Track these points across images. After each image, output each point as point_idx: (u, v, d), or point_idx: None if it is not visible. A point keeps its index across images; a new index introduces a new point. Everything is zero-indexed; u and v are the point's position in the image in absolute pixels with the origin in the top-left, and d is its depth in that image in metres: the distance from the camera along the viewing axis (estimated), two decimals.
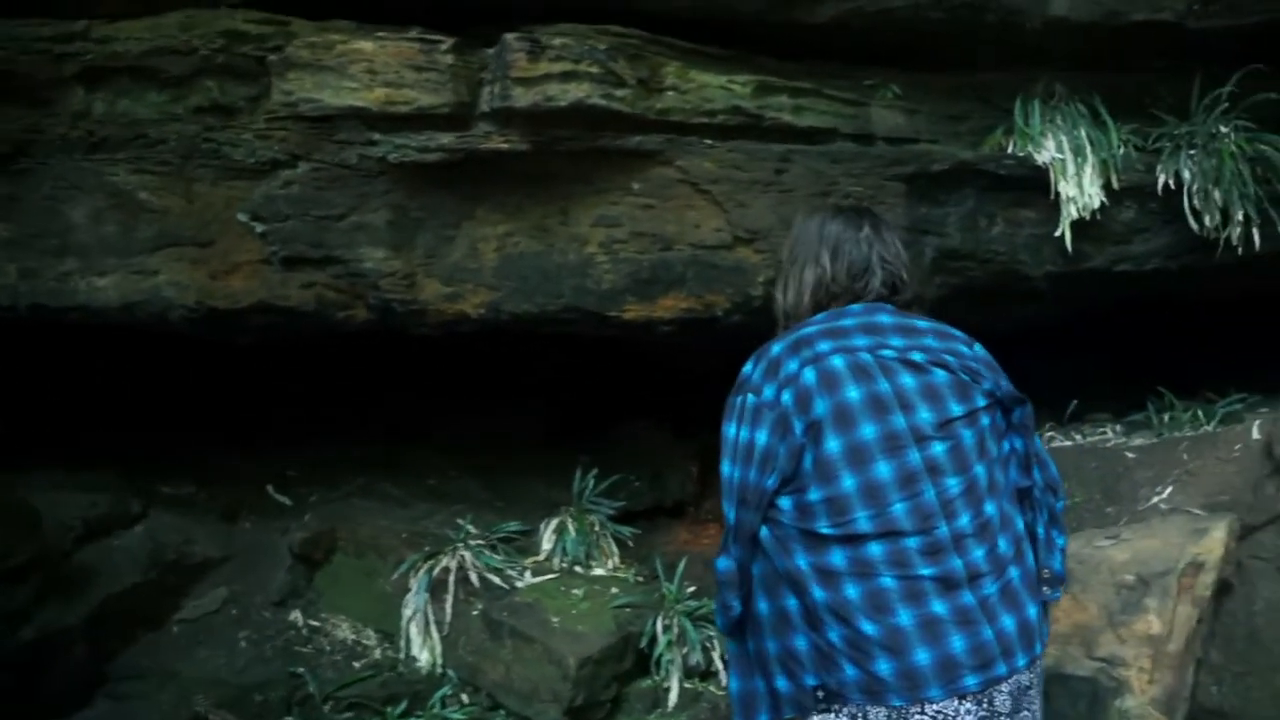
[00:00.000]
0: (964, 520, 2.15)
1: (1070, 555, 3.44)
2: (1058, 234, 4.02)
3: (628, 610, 4.12)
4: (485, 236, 3.85)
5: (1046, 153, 4.02)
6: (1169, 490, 3.89)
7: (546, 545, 4.41)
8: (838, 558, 2.10)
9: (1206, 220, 3.97)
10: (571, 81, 3.54)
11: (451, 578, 4.12)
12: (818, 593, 2.10)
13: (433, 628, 4.09)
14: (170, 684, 3.82)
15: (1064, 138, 4.04)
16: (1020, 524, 2.30)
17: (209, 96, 3.63)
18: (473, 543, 4.27)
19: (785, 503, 2.15)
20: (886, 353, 2.24)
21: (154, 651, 3.94)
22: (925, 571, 2.10)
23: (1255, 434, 3.90)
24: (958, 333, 2.39)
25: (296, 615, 4.20)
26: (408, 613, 4.11)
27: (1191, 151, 3.98)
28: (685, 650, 4.05)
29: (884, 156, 4.02)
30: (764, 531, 2.18)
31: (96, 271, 3.68)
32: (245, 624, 4.10)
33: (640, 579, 4.41)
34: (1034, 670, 2.22)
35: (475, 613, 4.04)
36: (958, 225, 4.16)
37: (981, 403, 2.26)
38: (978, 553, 2.15)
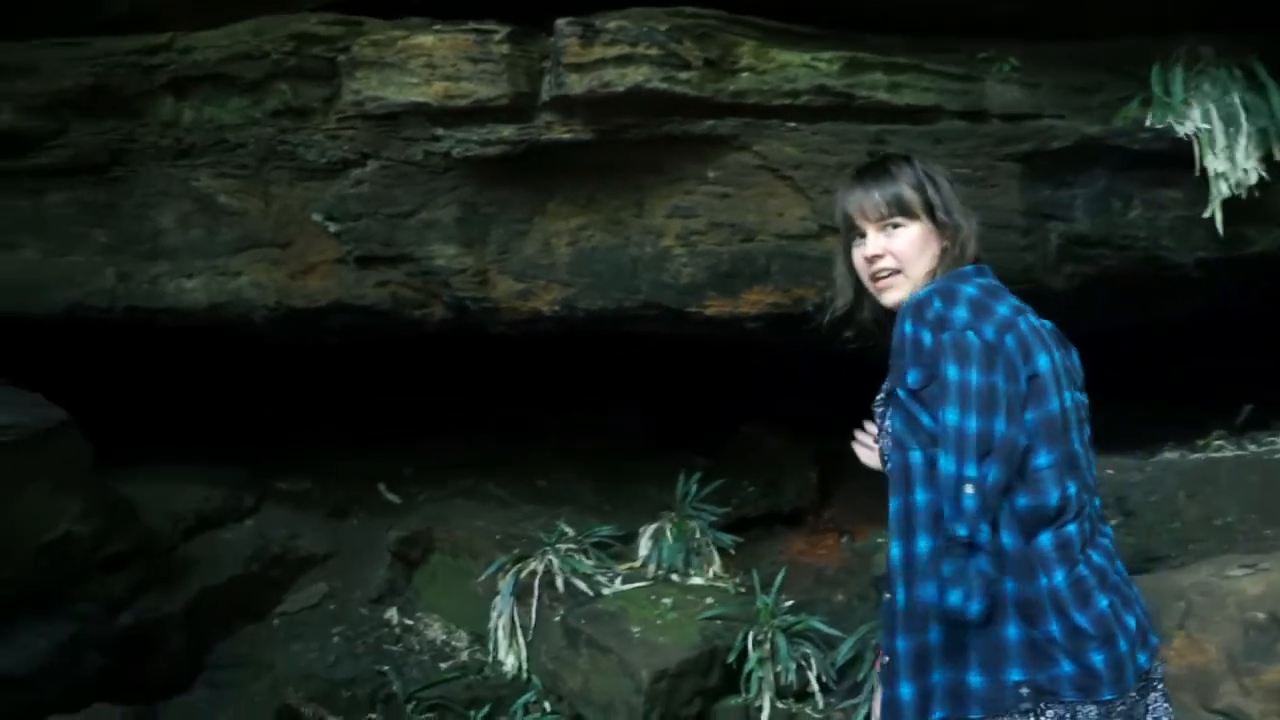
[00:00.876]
0: (1098, 501, 2.07)
1: (1195, 585, 3.02)
2: (1207, 215, 3.53)
3: (718, 623, 3.90)
4: (558, 231, 3.74)
5: (1190, 123, 3.54)
6: None
7: (643, 551, 4.25)
8: (1045, 538, 1.91)
9: None
10: (629, 65, 3.38)
11: (537, 582, 4.03)
12: (1044, 579, 1.90)
13: (518, 632, 4.01)
14: (265, 675, 3.93)
15: (1212, 106, 3.54)
16: None
17: (283, 99, 3.69)
18: (564, 547, 4.17)
19: None
20: (1043, 323, 2.05)
21: (252, 642, 4.06)
22: (1093, 553, 1.97)
23: None
24: None
25: (392, 613, 4.23)
26: (495, 616, 4.05)
27: None
28: (778, 668, 3.80)
29: (995, 135, 3.65)
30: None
31: (185, 274, 3.83)
32: (342, 620, 4.16)
33: (742, 590, 4.18)
34: None
35: (556, 619, 3.93)
36: (1087, 208, 3.72)
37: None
38: (1108, 529, 2.09)
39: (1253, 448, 4.13)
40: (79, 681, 3.45)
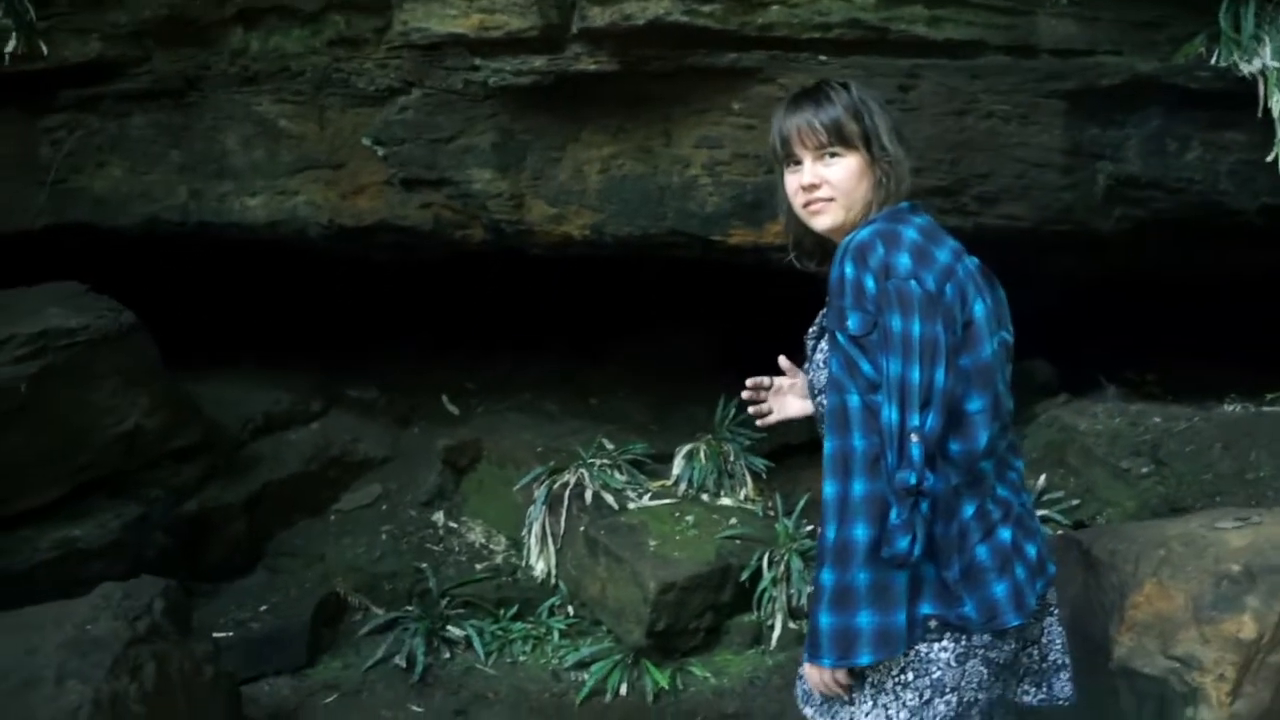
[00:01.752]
0: (1010, 436, 2.16)
1: (1180, 535, 3.00)
2: (1270, 159, 3.39)
3: (736, 542, 4.05)
4: (589, 159, 3.87)
5: (1259, 60, 3.38)
6: None
7: (676, 470, 4.42)
8: (962, 478, 2.01)
9: None
10: None
11: (568, 493, 4.24)
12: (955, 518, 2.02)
13: (549, 540, 4.24)
14: (317, 565, 4.26)
15: None
16: None
17: (338, 30, 3.89)
18: (598, 462, 4.36)
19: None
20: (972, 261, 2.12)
21: (308, 535, 4.39)
22: (999, 487, 2.09)
23: None
24: None
25: (439, 516, 4.51)
26: (529, 523, 4.29)
27: None
28: (791, 590, 3.93)
29: (1039, 70, 3.55)
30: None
31: (248, 192, 4.12)
32: (391, 519, 4.46)
33: (770, 513, 4.30)
34: None
35: (581, 529, 4.14)
36: (1139, 149, 3.64)
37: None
38: (1019, 464, 2.18)
39: None
40: (145, 558, 3.82)
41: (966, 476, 2.00)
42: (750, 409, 2.48)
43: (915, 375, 1.91)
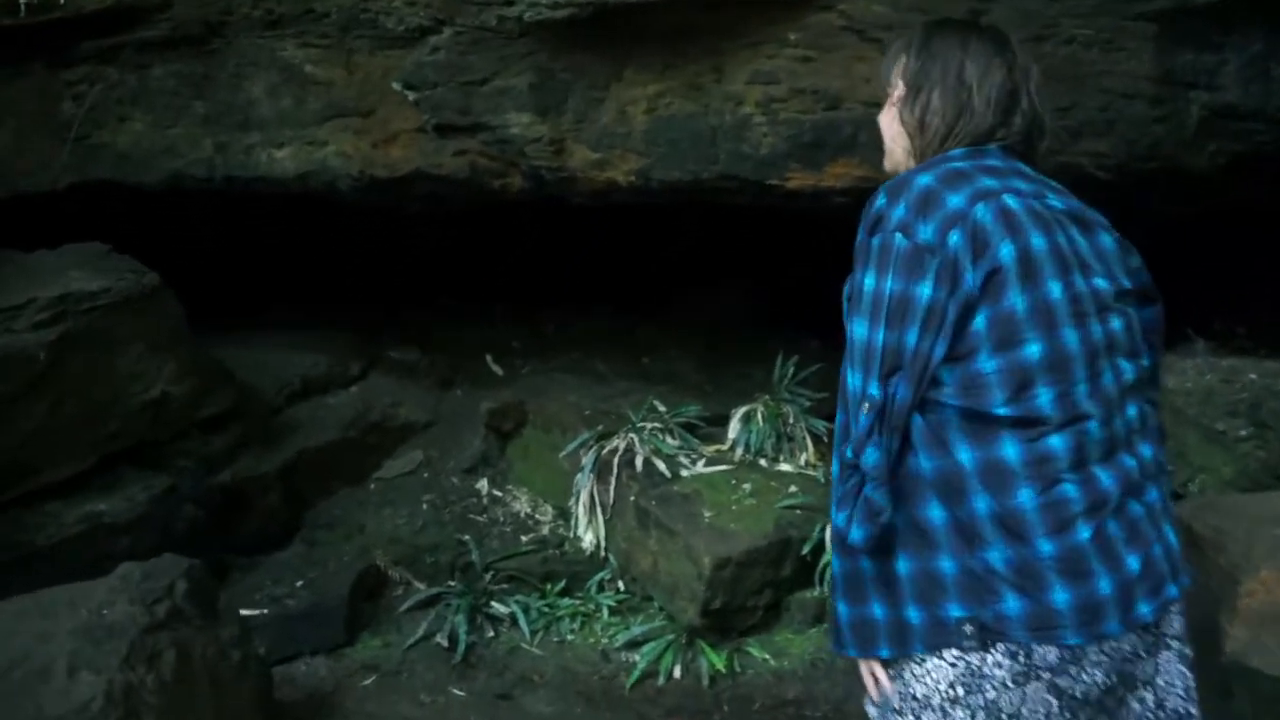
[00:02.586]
0: (1132, 412, 1.81)
1: None
2: None
3: (797, 512, 3.77)
4: (634, 99, 3.57)
5: None
6: None
7: (731, 434, 4.14)
8: (1011, 450, 1.68)
9: None
10: None
11: (616, 460, 3.99)
12: (980, 501, 1.68)
13: (598, 510, 3.99)
14: (356, 536, 4.06)
15: None
16: None
17: None
18: (648, 426, 4.09)
19: (947, 375, 1.70)
20: (1054, 202, 1.79)
21: (347, 505, 4.19)
22: (1102, 475, 1.72)
23: None
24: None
25: (483, 484, 4.28)
26: (576, 492, 4.05)
27: None
28: None
29: None
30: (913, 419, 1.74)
31: (275, 144, 3.89)
32: (433, 488, 4.24)
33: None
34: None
35: (631, 498, 3.89)
36: (1238, 76, 3.23)
37: (1128, 284, 1.86)
38: (1146, 451, 1.82)
39: None
40: (175, 532, 3.65)
41: (1018, 451, 1.67)
42: None
43: (879, 338, 1.69)
